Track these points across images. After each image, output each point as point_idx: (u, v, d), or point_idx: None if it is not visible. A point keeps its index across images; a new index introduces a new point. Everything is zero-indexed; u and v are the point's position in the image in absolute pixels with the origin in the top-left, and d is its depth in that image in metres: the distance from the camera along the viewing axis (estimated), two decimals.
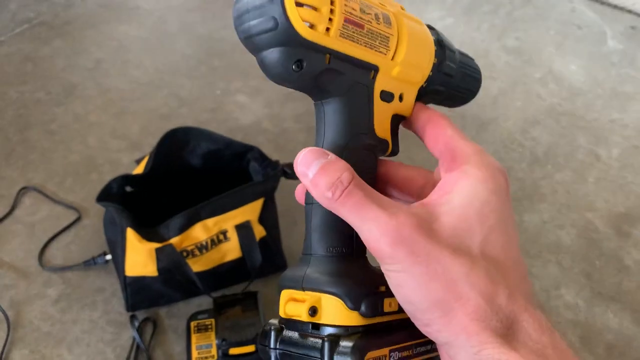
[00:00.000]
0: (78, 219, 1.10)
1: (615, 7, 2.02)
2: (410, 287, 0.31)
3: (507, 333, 0.30)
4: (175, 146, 1.04)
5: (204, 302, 0.97)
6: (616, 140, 1.45)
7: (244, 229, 0.95)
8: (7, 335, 0.92)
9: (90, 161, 1.23)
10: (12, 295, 0.98)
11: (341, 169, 0.33)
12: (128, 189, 1.00)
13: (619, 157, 1.40)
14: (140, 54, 1.60)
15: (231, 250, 0.96)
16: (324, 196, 0.32)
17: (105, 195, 0.95)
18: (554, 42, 1.74)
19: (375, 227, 0.31)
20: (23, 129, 1.31)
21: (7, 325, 0.93)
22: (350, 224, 0.33)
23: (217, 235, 0.94)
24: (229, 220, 0.94)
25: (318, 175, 0.33)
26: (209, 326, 0.92)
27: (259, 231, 0.98)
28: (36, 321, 0.95)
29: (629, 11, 2.01)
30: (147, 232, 0.91)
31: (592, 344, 1.00)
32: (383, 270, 0.32)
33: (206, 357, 0.89)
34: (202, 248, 0.93)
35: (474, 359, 0.30)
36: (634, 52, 1.80)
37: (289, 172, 1.01)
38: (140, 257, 0.91)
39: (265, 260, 0.97)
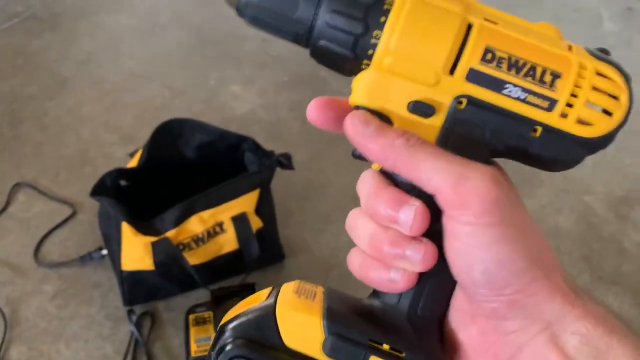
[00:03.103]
0: (73, 214, 1.09)
1: None
2: (513, 241, 0.27)
3: (577, 292, 0.29)
4: (168, 139, 1.03)
5: (201, 295, 0.96)
6: None
7: (240, 221, 0.95)
8: (5, 332, 0.92)
9: (83, 155, 1.22)
10: (8, 292, 0.98)
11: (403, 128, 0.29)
12: (122, 182, 0.99)
13: (616, 140, 1.38)
14: (133, 45, 1.58)
15: (228, 242, 0.95)
16: (393, 143, 0.28)
17: (99, 190, 0.94)
18: None
19: (469, 168, 0.27)
20: (15, 123, 1.29)
21: (4, 322, 0.93)
22: (428, 172, 0.28)
23: (213, 228, 0.93)
24: (225, 212, 0.94)
25: (382, 127, 0.29)
26: (207, 319, 0.92)
27: (256, 222, 0.97)
28: (33, 318, 0.94)
29: None
30: (143, 226, 0.90)
31: None
32: (466, 232, 0.28)
33: (205, 350, 0.89)
34: (199, 241, 0.92)
35: (561, 320, 0.28)
36: (631, 33, 1.79)
37: (284, 162, 1.00)
38: (137, 251, 0.90)
39: (263, 251, 0.96)
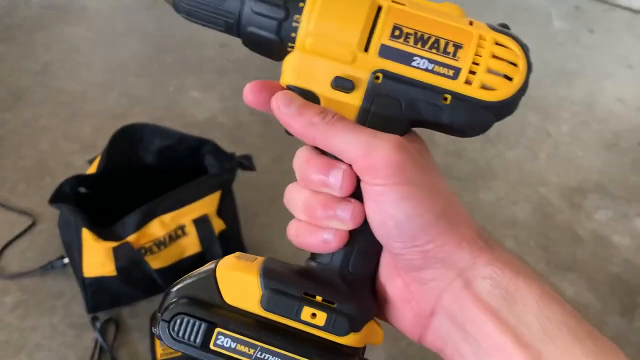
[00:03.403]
0: (33, 224, 1.08)
1: None
2: (418, 198, 0.30)
3: (488, 242, 0.32)
4: (127, 144, 1.03)
5: None
6: (565, 116, 1.49)
7: (202, 223, 0.95)
8: None
9: (42, 165, 1.21)
10: None
11: (322, 106, 0.32)
12: (82, 189, 0.99)
13: (568, 133, 1.44)
14: (90, 55, 1.57)
15: (190, 245, 0.95)
16: (311, 121, 0.31)
17: (58, 197, 0.93)
18: None
19: (377, 138, 0.31)
20: None
21: None
22: (342, 145, 0.31)
23: (175, 231, 0.93)
24: (187, 215, 0.94)
25: (303, 107, 0.32)
26: None
27: (219, 224, 0.97)
28: None
29: None
30: (103, 232, 0.90)
31: None
32: (377, 192, 0.31)
33: (171, 354, 0.89)
34: (160, 244, 0.93)
35: (472, 266, 0.31)
36: (579, 31, 1.85)
37: (245, 164, 1.01)
38: (98, 257, 0.90)
39: (226, 253, 0.95)
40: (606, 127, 1.47)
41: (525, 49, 0.32)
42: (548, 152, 1.38)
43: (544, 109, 1.49)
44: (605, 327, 1.03)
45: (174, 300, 0.33)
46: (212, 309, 0.32)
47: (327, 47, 0.32)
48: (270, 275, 0.33)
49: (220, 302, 0.33)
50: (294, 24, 0.32)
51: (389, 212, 0.30)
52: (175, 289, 0.33)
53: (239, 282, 0.33)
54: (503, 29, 0.32)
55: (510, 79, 0.31)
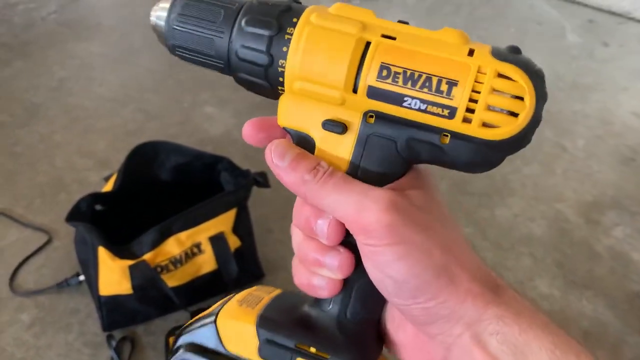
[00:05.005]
0: (48, 241, 1.08)
1: (573, 1, 2.08)
2: (413, 257, 0.29)
3: (496, 290, 0.30)
4: (143, 161, 1.03)
5: (181, 316, 0.96)
6: (580, 130, 1.48)
7: (218, 241, 0.95)
8: None
9: (57, 181, 1.21)
10: None
11: (318, 158, 0.32)
12: (98, 207, 0.99)
13: (583, 148, 1.43)
14: (104, 71, 1.58)
15: (206, 262, 0.95)
16: (303, 179, 0.30)
17: (75, 215, 0.93)
18: (515, 39, 1.78)
19: (367, 198, 0.29)
20: None
21: None
22: (332, 205, 0.30)
23: (191, 249, 0.93)
24: (203, 233, 0.94)
25: (296, 161, 0.31)
26: None
27: (234, 241, 0.97)
28: (10, 348, 0.93)
29: (586, 5, 2.07)
30: (120, 250, 0.90)
31: (568, 332, 1.01)
32: (371, 252, 0.30)
33: None
34: (177, 262, 0.92)
35: (478, 321, 0.29)
36: (592, 44, 1.85)
37: (260, 181, 1.01)
38: (114, 276, 0.90)
39: (242, 270, 0.96)
40: (622, 142, 1.46)
41: (534, 78, 0.28)
42: (564, 167, 1.36)
43: (559, 124, 1.48)
44: (625, 346, 1.02)
45: (180, 346, 0.34)
46: (214, 357, 0.34)
47: (315, 90, 0.30)
48: (266, 326, 0.33)
49: (222, 350, 0.34)
50: (280, 69, 0.31)
51: (385, 271, 0.30)
52: (181, 335, 0.35)
53: (237, 330, 0.34)
54: (511, 54, 0.29)
55: (515, 114, 0.28)
